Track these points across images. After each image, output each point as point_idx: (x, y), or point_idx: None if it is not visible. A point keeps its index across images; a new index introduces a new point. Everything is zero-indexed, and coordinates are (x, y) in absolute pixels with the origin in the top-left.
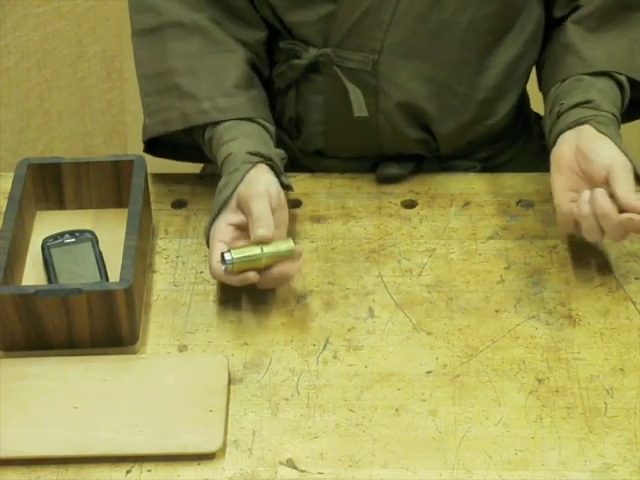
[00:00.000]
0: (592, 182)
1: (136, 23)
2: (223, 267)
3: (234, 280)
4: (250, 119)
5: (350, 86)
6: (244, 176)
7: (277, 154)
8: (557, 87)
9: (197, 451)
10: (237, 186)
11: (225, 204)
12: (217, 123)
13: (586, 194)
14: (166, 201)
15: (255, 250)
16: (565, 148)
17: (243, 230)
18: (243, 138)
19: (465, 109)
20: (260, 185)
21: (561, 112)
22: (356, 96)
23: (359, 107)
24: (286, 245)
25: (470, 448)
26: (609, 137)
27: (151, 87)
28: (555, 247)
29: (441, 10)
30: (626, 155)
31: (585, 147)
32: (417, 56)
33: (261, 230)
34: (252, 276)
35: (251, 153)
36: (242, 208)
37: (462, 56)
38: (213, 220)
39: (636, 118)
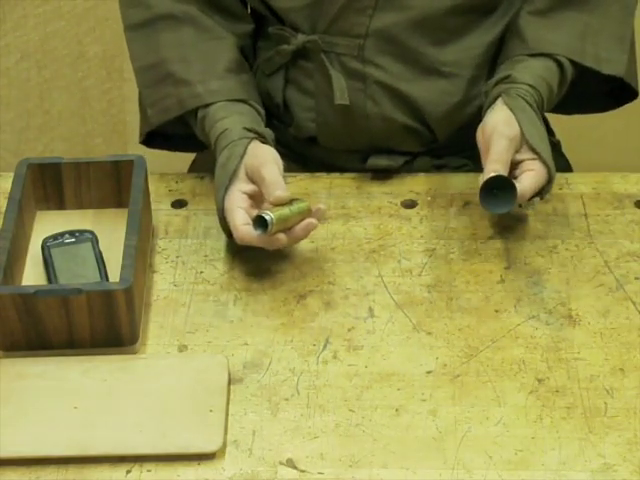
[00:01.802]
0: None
1: (128, 18)
2: (259, 231)
3: (263, 242)
4: (242, 100)
5: (334, 73)
6: (246, 149)
7: (269, 133)
8: (499, 68)
9: (197, 451)
10: (242, 158)
11: (234, 174)
12: (210, 104)
13: None
14: (166, 201)
15: (284, 210)
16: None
17: (254, 199)
18: (237, 115)
19: (455, 90)
20: (267, 154)
21: (486, 90)
22: (339, 83)
23: (341, 95)
24: (304, 203)
25: (470, 448)
26: (508, 107)
27: (148, 79)
28: (555, 247)
29: None
30: (518, 124)
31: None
32: (401, 41)
33: (279, 192)
34: (282, 237)
35: (247, 129)
36: (252, 177)
37: (443, 38)
38: (225, 191)
39: (612, 108)
